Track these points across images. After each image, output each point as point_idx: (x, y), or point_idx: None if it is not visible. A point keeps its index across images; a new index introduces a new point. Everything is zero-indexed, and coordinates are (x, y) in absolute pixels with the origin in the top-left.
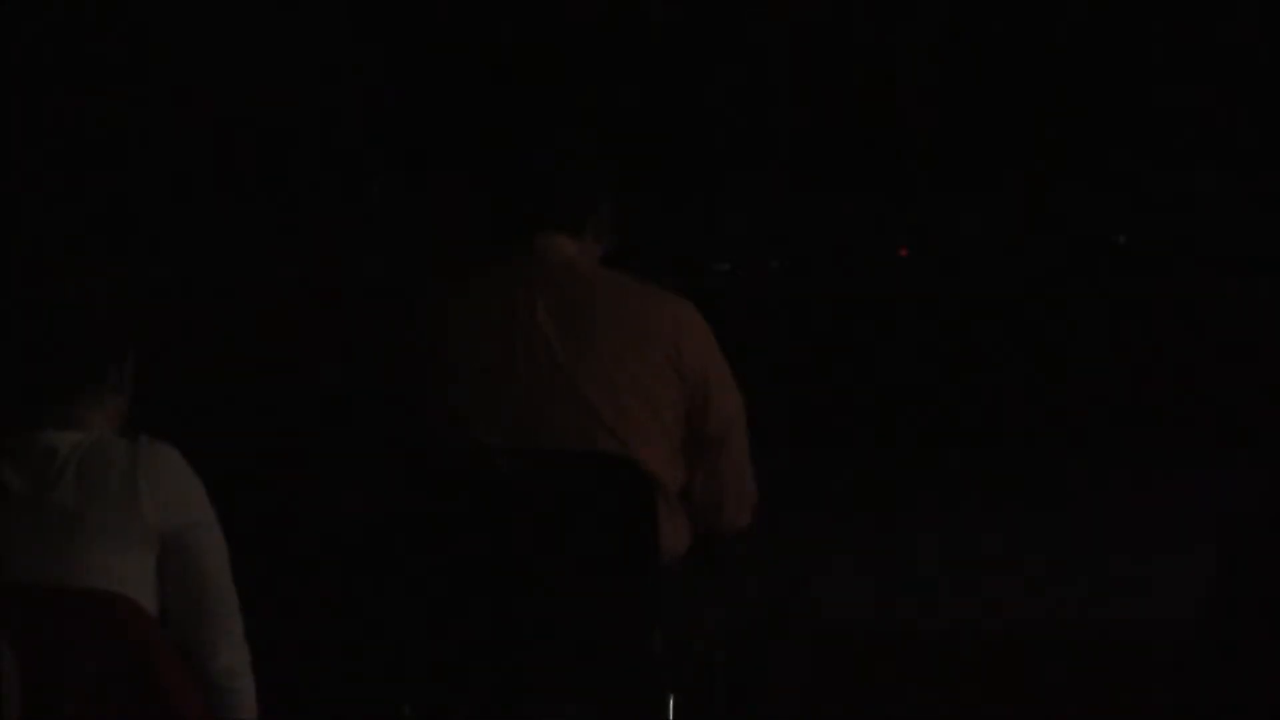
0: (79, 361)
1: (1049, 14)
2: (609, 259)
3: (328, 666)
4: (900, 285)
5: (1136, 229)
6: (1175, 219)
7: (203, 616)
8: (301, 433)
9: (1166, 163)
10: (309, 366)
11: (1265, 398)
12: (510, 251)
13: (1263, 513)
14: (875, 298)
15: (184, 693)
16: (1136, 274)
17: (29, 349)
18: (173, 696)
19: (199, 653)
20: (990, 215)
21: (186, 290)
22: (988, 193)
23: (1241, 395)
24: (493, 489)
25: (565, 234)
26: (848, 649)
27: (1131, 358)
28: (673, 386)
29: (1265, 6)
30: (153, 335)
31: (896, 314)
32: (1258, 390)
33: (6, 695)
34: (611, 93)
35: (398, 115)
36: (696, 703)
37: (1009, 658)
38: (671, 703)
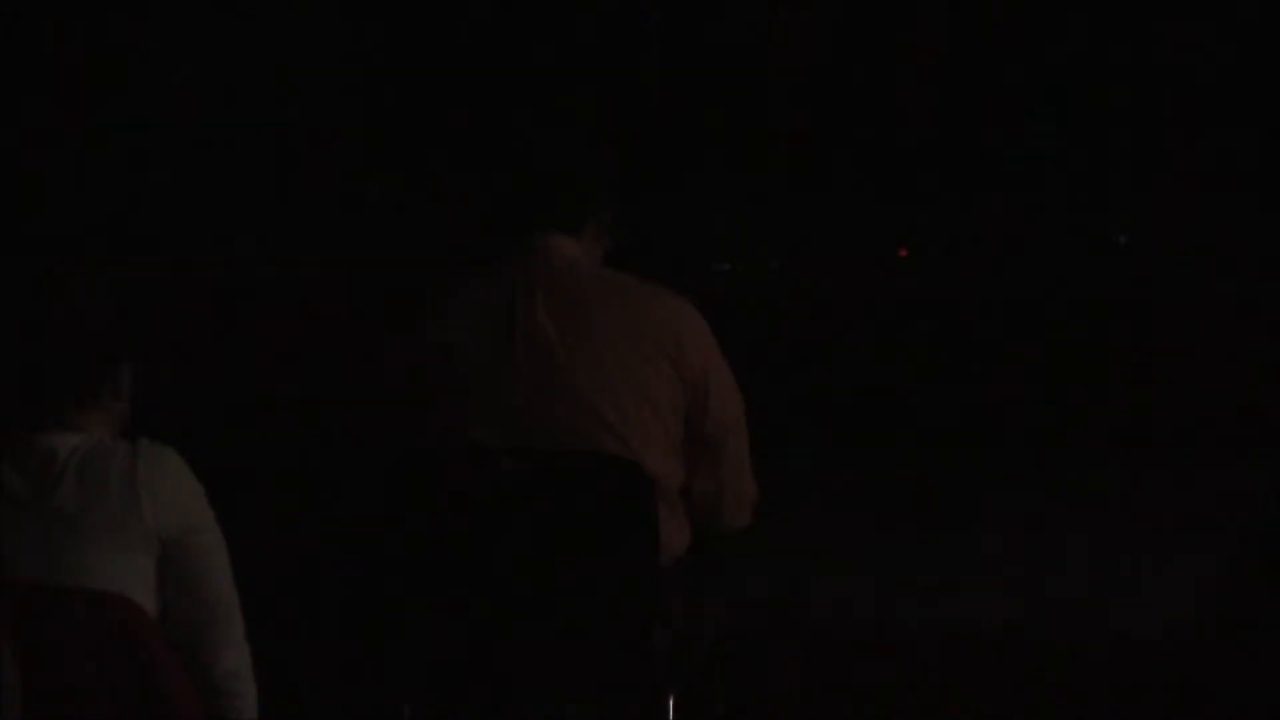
0: (78, 365)
1: (1049, 14)
2: (609, 259)
3: (328, 667)
4: (900, 285)
5: (1136, 229)
6: (1176, 219)
7: (204, 619)
8: (302, 434)
9: (1167, 163)
10: (309, 367)
11: (1266, 399)
12: (510, 251)
13: (1270, 516)
14: (875, 298)
15: (183, 694)
16: (1137, 274)
17: (28, 352)
18: (171, 698)
19: (200, 655)
20: (990, 215)
21: (186, 290)
22: (987, 193)
23: (1242, 396)
24: (493, 489)
25: (565, 234)
26: (848, 649)
27: (1131, 358)
28: (673, 386)
29: (1265, 8)
30: (152, 336)
31: (896, 314)
32: (1259, 391)
33: (6, 695)
34: (612, 93)
35: (398, 115)
36: (696, 703)
37: (1009, 658)
38: (671, 702)
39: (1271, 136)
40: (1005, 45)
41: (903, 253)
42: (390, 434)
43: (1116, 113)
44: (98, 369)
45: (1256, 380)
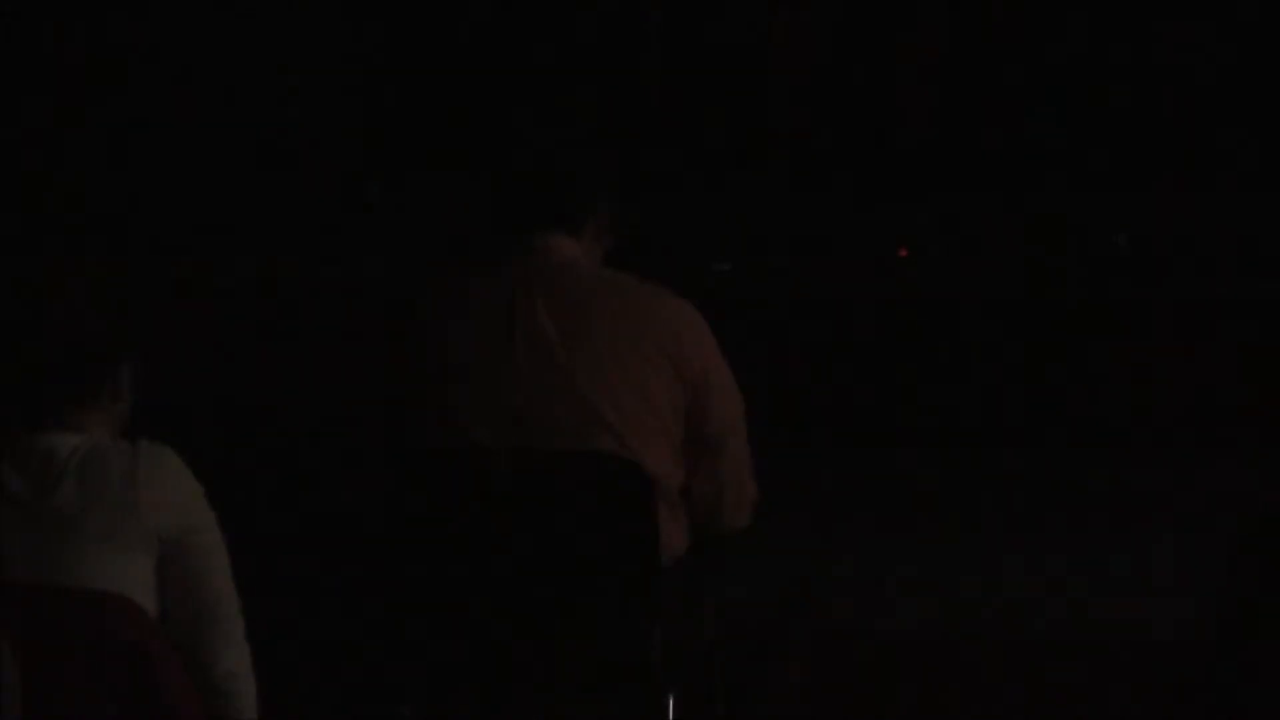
0: (78, 365)
1: (1049, 14)
2: (609, 259)
3: (328, 667)
4: (900, 285)
5: (1136, 229)
6: (1176, 219)
7: (203, 619)
8: (301, 433)
9: (1167, 163)
10: (309, 366)
11: (1266, 399)
12: (510, 251)
13: (1270, 516)
14: (875, 298)
15: (183, 694)
16: (1137, 274)
17: (28, 352)
18: (171, 698)
19: (200, 655)
20: (990, 215)
21: (186, 290)
22: (988, 193)
23: (1242, 396)
24: (493, 489)
25: (565, 234)
26: (848, 649)
27: (1132, 358)
28: (672, 386)
29: (1265, 8)
30: (152, 336)
31: (896, 314)
32: (1259, 391)
33: (6, 695)
34: (612, 93)
35: (398, 115)
36: (696, 703)
37: (1009, 658)
38: (671, 703)
39: (1271, 136)
40: (1005, 45)
41: (903, 253)
42: (390, 434)
43: (1116, 113)
44: (98, 369)
45: (1256, 380)
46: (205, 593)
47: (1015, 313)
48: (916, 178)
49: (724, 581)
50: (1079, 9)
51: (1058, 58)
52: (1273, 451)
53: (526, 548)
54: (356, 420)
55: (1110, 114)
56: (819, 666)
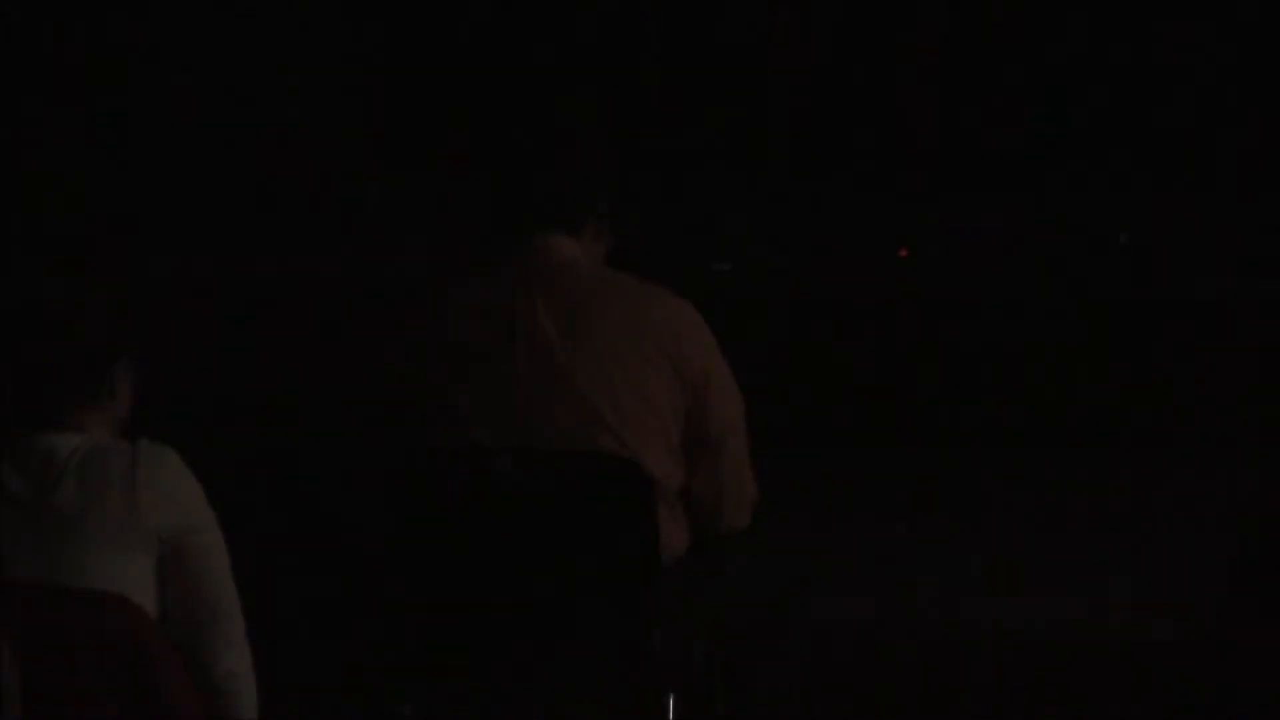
0: (77, 365)
1: (1049, 14)
2: (609, 259)
3: (328, 667)
4: (900, 285)
5: (1139, 228)
6: (1176, 219)
7: (203, 618)
8: (301, 433)
9: (1169, 162)
10: (309, 367)
11: (1266, 399)
12: (510, 251)
13: (1270, 516)
14: (875, 298)
15: (183, 694)
16: (1139, 273)
17: (28, 352)
18: (171, 698)
19: (200, 655)
20: (990, 215)
21: (186, 290)
22: (988, 193)
23: (1242, 396)
24: (493, 489)
25: (565, 234)
26: (848, 649)
27: (1132, 358)
28: (672, 386)
29: (1265, 8)
30: (152, 336)
31: (896, 314)
32: (1259, 391)
33: (7, 695)
34: (612, 93)
35: (398, 115)
36: (696, 703)
37: (1010, 658)
38: (671, 703)
39: (1271, 136)
40: (1005, 45)
41: (903, 253)
42: (390, 434)
43: (1116, 113)
44: (97, 369)
45: (1257, 380)
46: (205, 593)
47: (1015, 313)
48: (917, 177)
49: (724, 581)
50: (1079, 9)
51: (1058, 58)
52: (1273, 451)
53: (526, 548)
54: (356, 420)
55: (1110, 114)
56: (819, 666)
